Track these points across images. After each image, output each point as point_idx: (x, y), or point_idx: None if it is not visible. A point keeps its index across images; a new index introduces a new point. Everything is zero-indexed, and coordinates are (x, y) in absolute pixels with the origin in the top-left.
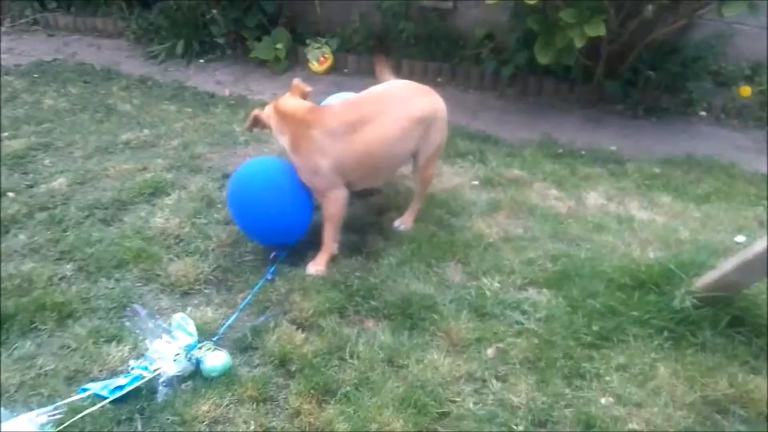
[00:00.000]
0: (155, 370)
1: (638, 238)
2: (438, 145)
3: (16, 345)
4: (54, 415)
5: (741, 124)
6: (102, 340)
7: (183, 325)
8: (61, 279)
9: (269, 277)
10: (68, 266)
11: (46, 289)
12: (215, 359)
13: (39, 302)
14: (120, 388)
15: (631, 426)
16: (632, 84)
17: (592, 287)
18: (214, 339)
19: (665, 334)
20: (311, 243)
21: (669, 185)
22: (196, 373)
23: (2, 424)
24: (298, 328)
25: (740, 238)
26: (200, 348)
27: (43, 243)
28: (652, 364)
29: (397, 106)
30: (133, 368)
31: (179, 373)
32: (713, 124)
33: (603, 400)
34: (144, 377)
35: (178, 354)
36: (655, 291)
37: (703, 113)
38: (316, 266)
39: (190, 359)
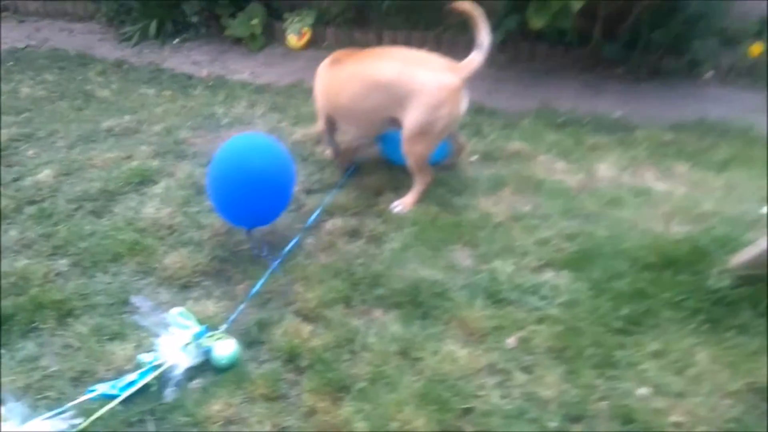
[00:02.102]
0: (164, 363)
1: (658, 212)
2: (420, 124)
3: (18, 346)
4: (72, 418)
5: (751, 84)
6: (105, 338)
7: (182, 322)
8: (57, 275)
9: (275, 266)
10: (63, 261)
11: (43, 287)
12: (224, 348)
13: (37, 301)
14: (130, 384)
15: (673, 418)
16: (632, 46)
17: (616, 268)
18: (222, 328)
19: (701, 316)
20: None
21: (683, 153)
22: (205, 368)
23: (25, 424)
24: (303, 321)
25: (766, 209)
26: (209, 336)
27: (35, 238)
28: (689, 350)
29: (369, 62)
30: (141, 362)
31: (190, 364)
32: (721, 85)
33: (640, 391)
34: (154, 369)
35: (188, 343)
36: (686, 270)
37: (709, 74)
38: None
39: (199, 347)
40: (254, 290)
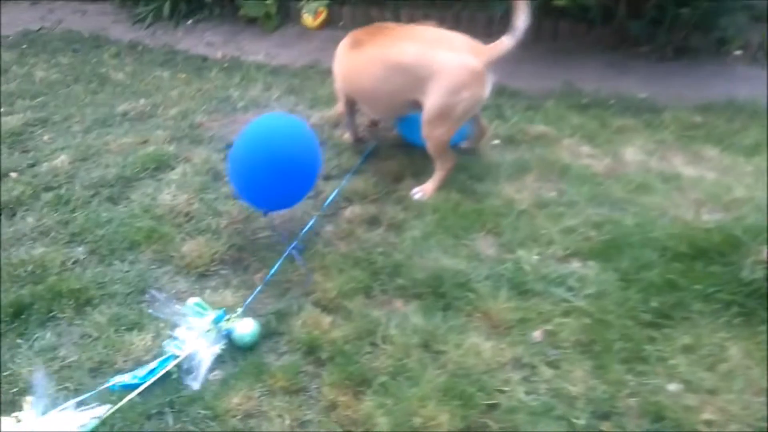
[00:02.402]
0: (185, 351)
1: (688, 199)
2: (440, 107)
3: (36, 335)
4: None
5: None
6: (123, 328)
7: (199, 311)
8: (74, 263)
9: (296, 251)
10: (80, 249)
11: (60, 275)
12: (245, 326)
13: (55, 289)
14: (151, 372)
15: (704, 416)
16: (658, 23)
17: (645, 258)
18: (239, 312)
19: (734, 309)
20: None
21: (712, 136)
22: (225, 360)
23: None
24: (323, 311)
25: None
26: (227, 319)
27: (52, 225)
28: (721, 345)
29: (390, 43)
30: (165, 350)
31: (211, 350)
32: (751, 64)
33: (671, 387)
34: (174, 357)
35: (208, 329)
36: (718, 261)
37: (738, 52)
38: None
39: (219, 331)
40: (270, 274)
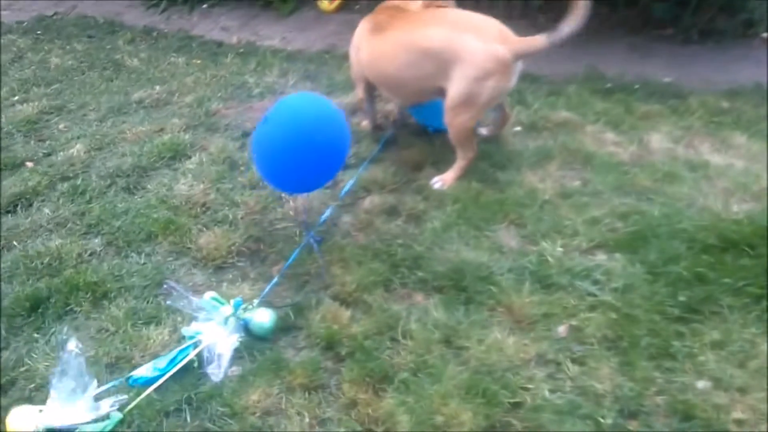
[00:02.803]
0: (204, 341)
1: (717, 188)
2: (464, 94)
3: (53, 330)
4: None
5: None
6: (140, 322)
7: (216, 305)
8: (91, 255)
9: (313, 239)
10: (96, 241)
11: (77, 268)
12: (262, 315)
13: (72, 282)
14: (172, 362)
15: (735, 415)
16: (683, 5)
17: (673, 250)
18: (255, 303)
19: (765, 303)
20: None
21: (740, 122)
22: (242, 355)
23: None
24: (342, 305)
25: None
26: (244, 309)
27: (68, 216)
28: (752, 341)
29: (416, 28)
30: (184, 335)
31: (230, 339)
32: None
33: (700, 385)
34: (194, 347)
35: (227, 317)
36: (748, 253)
37: (765, 35)
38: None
39: (237, 320)
40: (286, 266)
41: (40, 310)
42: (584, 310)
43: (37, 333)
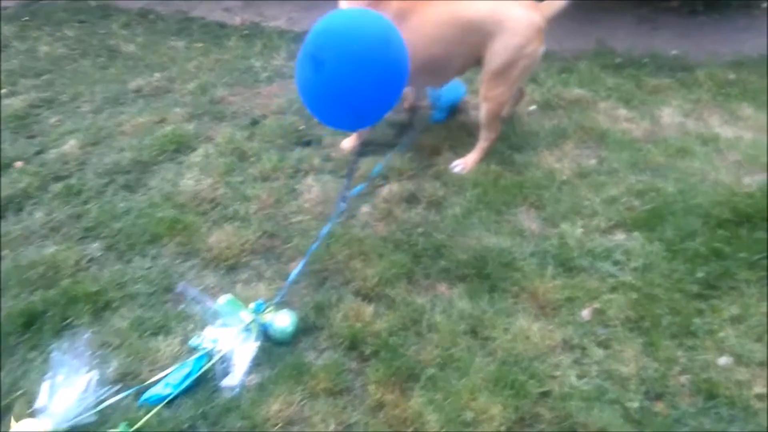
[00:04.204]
0: (222, 349)
1: (727, 161)
2: (503, 63)
3: (51, 347)
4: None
5: None
6: (147, 333)
7: (233, 309)
8: (89, 262)
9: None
10: (96, 245)
11: (75, 277)
12: (283, 319)
13: (70, 293)
14: (187, 376)
15: (756, 390)
16: None
17: (689, 226)
18: (275, 301)
19: None
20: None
21: (747, 93)
22: (260, 362)
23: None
24: (364, 301)
25: None
26: (265, 312)
27: (63, 220)
28: None
29: (450, 5)
30: (196, 346)
31: (250, 346)
32: None
33: (721, 361)
34: (209, 356)
35: (249, 322)
36: (762, 227)
37: (765, 4)
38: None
39: (258, 325)
40: (302, 264)
41: (35, 327)
42: (606, 292)
43: (34, 351)
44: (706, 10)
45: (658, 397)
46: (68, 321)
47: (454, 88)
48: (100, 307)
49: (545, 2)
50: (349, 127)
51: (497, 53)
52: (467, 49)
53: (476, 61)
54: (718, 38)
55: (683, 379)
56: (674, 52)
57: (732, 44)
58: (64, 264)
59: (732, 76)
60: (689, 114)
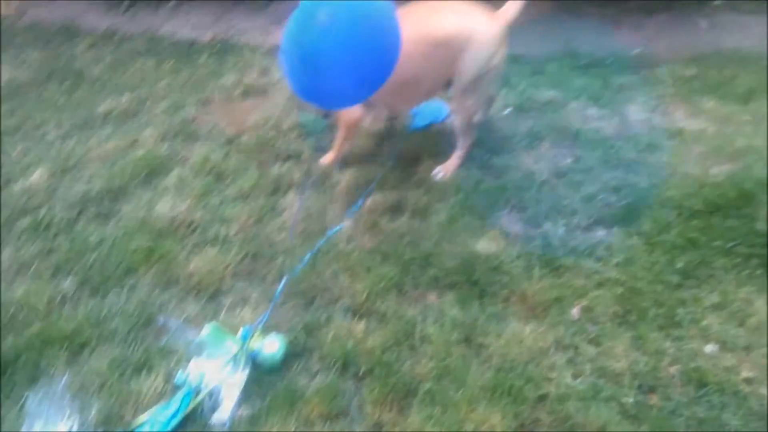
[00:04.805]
0: (209, 383)
1: (694, 153)
2: (474, 76)
3: (26, 395)
4: None
5: (760, 8)
6: (128, 371)
7: (218, 338)
8: (62, 300)
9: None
10: (68, 282)
11: (47, 318)
12: (272, 345)
13: (43, 336)
14: (174, 415)
15: (744, 374)
16: None
17: (664, 218)
18: (259, 324)
19: (754, 261)
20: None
21: (707, 87)
22: (250, 392)
23: None
24: (354, 317)
25: None
26: (252, 340)
27: (32, 257)
28: (748, 299)
29: (417, 24)
30: (182, 382)
31: (239, 377)
32: (731, 11)
33: (707, 349)
34: (197, 391)
35: (236, 353)
36: (733, 215)
37: (717, 2)
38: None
39: (247, 353)
40: (282, 285)
41: (8, 374)
42: (592, 289)
43: (7, 401)
44: (664, 9)
45: (652, 390)
46: (43, 365)
47: (437, 108)
48: (77, 347)
49: (503, 8)
50: (344, 100)
51: (467, 68)
52: (437, 67)
53: (446, 82)
54: (675, 35)
55: (673, 369)
56: (636, 50)
57: (689, 41)
58: (35, 304)
59: (691, 71)
60: (655, 110)
